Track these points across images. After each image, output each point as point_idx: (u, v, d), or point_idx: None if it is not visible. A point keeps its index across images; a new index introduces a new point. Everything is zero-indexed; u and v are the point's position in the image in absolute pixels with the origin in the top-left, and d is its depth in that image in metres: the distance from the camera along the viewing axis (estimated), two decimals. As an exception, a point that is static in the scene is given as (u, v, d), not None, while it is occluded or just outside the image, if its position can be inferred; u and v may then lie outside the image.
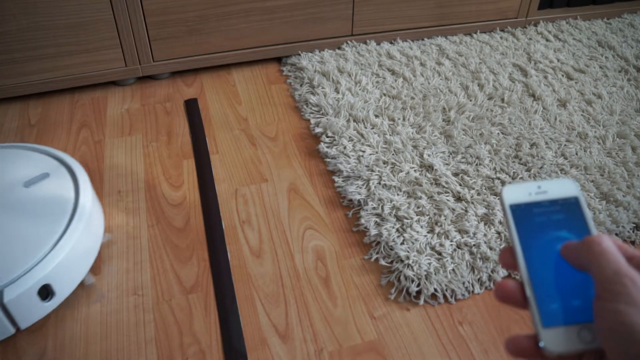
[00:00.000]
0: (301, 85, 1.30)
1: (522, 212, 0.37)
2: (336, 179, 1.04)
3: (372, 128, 1.14)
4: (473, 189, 0.99)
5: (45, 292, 0.78)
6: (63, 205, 0.85)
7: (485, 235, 0.91)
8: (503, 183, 1.02)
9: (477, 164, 1.05)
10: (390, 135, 1.12)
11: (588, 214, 0.37)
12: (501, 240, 0.90)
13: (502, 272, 0.86)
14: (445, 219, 0.93)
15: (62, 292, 0.80)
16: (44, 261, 0.77)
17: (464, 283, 0.84)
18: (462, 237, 0.90)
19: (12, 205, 0.85)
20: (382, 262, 0.89)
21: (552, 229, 0.37)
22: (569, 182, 0.38)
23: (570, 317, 0.34)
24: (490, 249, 0.88)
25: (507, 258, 0.37)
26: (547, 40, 1.50)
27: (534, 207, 0.37)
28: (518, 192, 0.38)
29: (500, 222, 0.93)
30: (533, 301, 0.35)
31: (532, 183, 0.38)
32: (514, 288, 0.36)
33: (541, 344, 0.33)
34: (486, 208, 0.96)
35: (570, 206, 0.37)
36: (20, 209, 0.85)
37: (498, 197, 0.98)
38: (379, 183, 1.00)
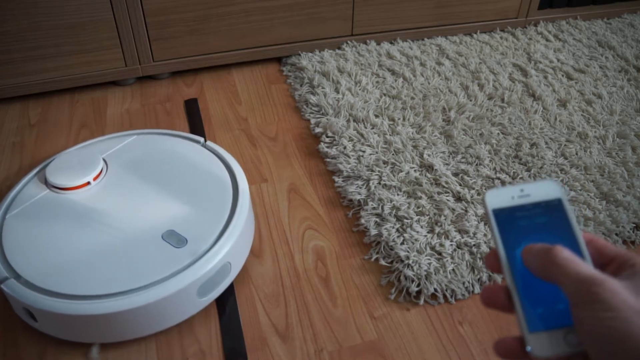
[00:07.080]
0: (301, 85, 1.30)
1: (505, 216, 0.37)
2: (336, 179, 1.04)
3: (372, 128, 1.14)
4: (473, 189, 0.99)
5: (29, 313, 0.75)
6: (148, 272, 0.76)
7: (485, 235, 0.91)
8: (503, 183, 1.02)
9: (477, 164, 1.05)
10: (390, 135, 1.12)
11: (571, 215, 0.37)
12: (501, 240, 0.90)
13: (502, 272, 0.86)
14: (445, 219, 0.93)
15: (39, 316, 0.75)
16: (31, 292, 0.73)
17: (464, 283, 0.84)
18: (462, 237, 0.90)
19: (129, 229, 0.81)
20: (382, 262, 0.89)
21: (535, 233, 0.36)
22: (551, 183, 0.38)
23: (556, 321, 0.34)
24: (491, 249, 0.88)
25: (493, 261, 0.37)
26: (547, 40, 1.50)
27: (517, 210, 0.37)
28: (501, 196, 0.38)
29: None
30: (519, 306, 0.35)
31: (514, 187, 0.38)
32: (499, 292, 0.36)
33: (528, 349, 0.33)
34: (486, 208, 0.96)
35: (553, 208, 0.37)
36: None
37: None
38: (379, 183, 1.00)
